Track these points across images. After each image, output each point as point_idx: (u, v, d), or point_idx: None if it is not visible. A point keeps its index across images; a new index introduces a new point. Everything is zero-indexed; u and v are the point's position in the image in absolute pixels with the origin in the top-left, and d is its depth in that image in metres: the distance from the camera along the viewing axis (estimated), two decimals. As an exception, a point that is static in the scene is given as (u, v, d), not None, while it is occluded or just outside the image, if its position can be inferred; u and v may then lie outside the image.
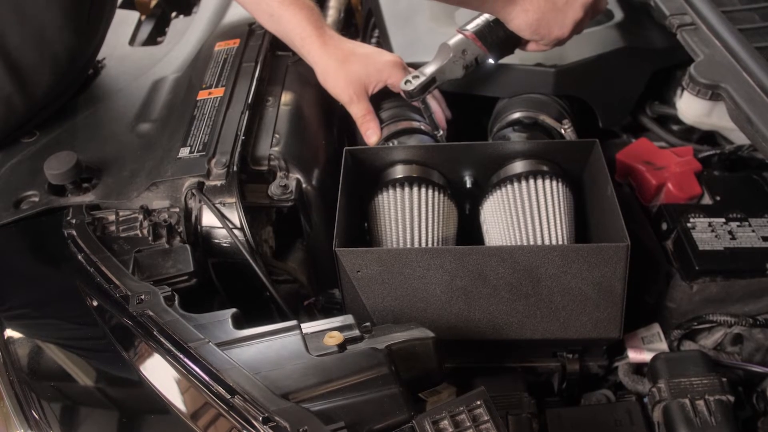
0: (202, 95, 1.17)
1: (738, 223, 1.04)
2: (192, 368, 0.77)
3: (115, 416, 0.83)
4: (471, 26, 1.14)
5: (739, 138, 1.19)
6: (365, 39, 1.55)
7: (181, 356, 0.78)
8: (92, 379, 0.87)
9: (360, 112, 1.15)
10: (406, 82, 1.11)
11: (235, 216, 1.00)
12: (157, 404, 0.78)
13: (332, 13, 1.55)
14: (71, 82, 1.22)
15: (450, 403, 0.70)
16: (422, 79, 1.11)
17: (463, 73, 1.14)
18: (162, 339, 0.81)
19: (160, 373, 0.80)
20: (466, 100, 1.26)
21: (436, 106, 1.21)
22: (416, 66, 1.19)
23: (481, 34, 1.13)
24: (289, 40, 1.20)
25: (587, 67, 1.22)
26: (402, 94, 1.13)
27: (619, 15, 1.31)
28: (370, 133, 1.14)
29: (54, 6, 1.10)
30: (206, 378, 0.75)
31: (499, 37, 1.14)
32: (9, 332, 0.89)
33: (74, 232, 0.97)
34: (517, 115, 1.18)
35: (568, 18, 1.11)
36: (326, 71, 1.16)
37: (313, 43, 1.16)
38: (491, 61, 1.17)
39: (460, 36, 1.14)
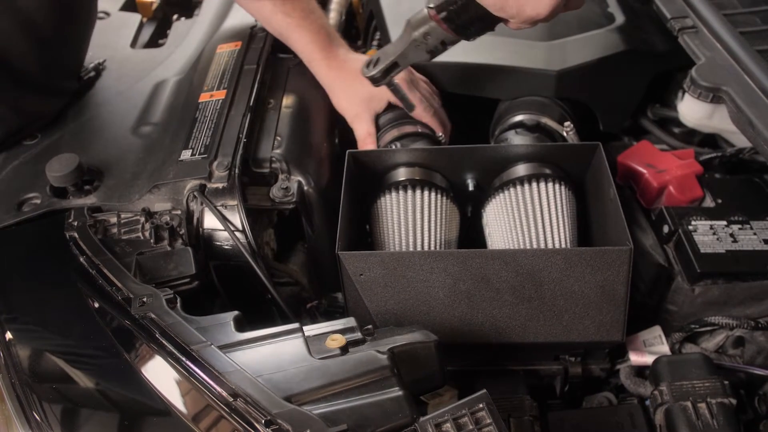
0: (204, 98, 1.17)
1: (739, 226, 1.03)
2: (194, 371, 0.77)
3: (116, 418, 0.83)
4: (439, 4, 0.99)
5: (741, 141, 1.19)
6: (366, 41, 1.55)
7: (183, 359, 0.78)
8: (94, 382, 0.87)
9: (362, 133, 1.18)
10: (367, 65, 1.06)
11: (236, 218, 1.00)
12: (159, 407, 0.78)
13: (333, 15, 1.55)
14: (60, 89, 1.22)
15: (453, 406, 0.70)
16: (382, 64, 1.05)
17: (428, 58, 1.04)
18: (164, 341, 0.81)
19: (162, 376, 0.80)
20: (468, 103, 1.26)
21: (437, 103, 1.20)
22: (418, 67, 1.19)
23: (450, 15, 0.98)
24: (298, 56, 1.25)
25: (589, 70, 1.22)
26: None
27: (620, 18, 1.31)
28: None
29: (17, 27, 1.09)
30: (208, 381, 0.75)
31: (471, 16, 0.98)
32: (10, 334, 0.89)
33: (76, 235, 0.97)
34: (519, 117, 1.18)
35: None
36: (332, 91, 1.22)
37: (319, 65, 1.22)
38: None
39: (424, 15, 1.00)
